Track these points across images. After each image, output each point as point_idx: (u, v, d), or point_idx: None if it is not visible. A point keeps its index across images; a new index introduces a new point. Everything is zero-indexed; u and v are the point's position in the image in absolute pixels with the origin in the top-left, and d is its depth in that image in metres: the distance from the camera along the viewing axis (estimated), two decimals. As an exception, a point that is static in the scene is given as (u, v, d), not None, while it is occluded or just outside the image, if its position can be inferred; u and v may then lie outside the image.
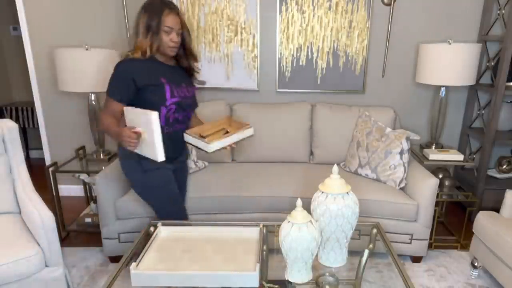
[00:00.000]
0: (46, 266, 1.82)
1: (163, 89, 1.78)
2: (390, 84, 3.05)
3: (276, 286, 1.50)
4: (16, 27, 4.00)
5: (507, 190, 2.22)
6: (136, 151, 1.72)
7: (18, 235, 1.85)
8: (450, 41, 2.54)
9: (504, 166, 3.07)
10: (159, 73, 1.80)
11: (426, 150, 2.71)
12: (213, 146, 1.73)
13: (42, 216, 1.79)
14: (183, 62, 1.93)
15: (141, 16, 1.74)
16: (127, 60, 1.77)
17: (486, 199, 2.88)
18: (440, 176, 2.70)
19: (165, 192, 1.91)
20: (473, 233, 2.26)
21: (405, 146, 2.43)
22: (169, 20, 1.73)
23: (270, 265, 1.65)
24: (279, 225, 1.50)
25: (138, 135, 1.64)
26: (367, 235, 1.93)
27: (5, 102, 4.14)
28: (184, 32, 1.84)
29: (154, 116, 1.55)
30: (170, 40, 1.76)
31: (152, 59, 1.80)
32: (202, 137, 1.78)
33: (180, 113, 1.86)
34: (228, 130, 1.89)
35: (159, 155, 1.61)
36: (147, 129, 1.60)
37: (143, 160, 1.79)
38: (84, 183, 2.93)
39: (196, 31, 2.91)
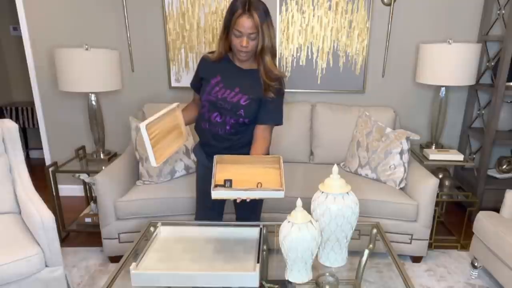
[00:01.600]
0: (46, 266, 1.82)
1: (207, 85, 1.74)
2: (390, 84, 3.05)
3: (276, 286, 1.50)
4: (16, 27, 4.00)
5: (507, 190, 2.22)
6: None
7: (18, 235, 1.85)
8: (450, 41, 2.54)
9: (504, 166, 3.07)
10: (218, 70, 1.74)
11: (426, 150, 2.71)
12: (216, 193, 1.48)
13: (42, 216, 1.79)
14: (260, 71, 1.70)
15: (227, 12, 1.63)
16: (206, 55, 1.79)
17: (486, 199, 2.88)
18: (440, 176, 2.70)
19: (198, 187, 1.97)
20: (473, 233, 2.26)
21: (405, 146, 2.43)
22: (240, 23, 1.56)
23: (270, 265, 1.65)
24: (279, 225, 1.49)
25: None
26: (367, 235, 1.93)
27: (5, 102, 4.14)
28: (261, 37, 1.60)
29: (141, 125, 1.48)
30: (239, 44, 1.61)
31: (227, 57, 1.74)
32: (226, 180, 1.55)
33: (215, 113, 1.75)
34: (261, 183, 1.58)
35: (151, 162, 1.54)
36: None
37: (199, 151, 1.90)
38: (84, 183, 2.93)
39: (196, 31, 2.91)
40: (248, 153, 1.78)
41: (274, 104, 1.74)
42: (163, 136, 1.57)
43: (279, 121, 1.80)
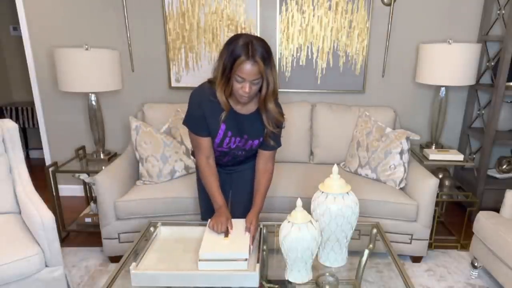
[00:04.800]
0: (46, 266, 1.82)
1: (214, 135, 1.68)
2: (390, 84, 3.05)
3: (276, 286, 1.50)
4: (16, 27, 4.00)
5: (507, 190, 2.22)
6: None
7: (18, 235, 1.85)
8: (450, 41, 2.54)
9: (504, 166, 3.06)
10: (221, 119, 1.64)
11: (426, 150, 2.71)
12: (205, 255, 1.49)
13: (42, 216, 1.79)
14: (264, 119, 1.66)
15: (224, 52, 1.51)
16: (202, 91, 1.64)
17: (486, 199, 2.88)
18: (440, 176, 2.70)
19: (200, 187, 1.94)
20: (473, 233, 2.26)
21: (405, 146, 2.43)
22: (243, 69, 1.46)
23: (270, 265, 1.65)
24: (279, 225, 1.50)
25: (225, 231, 1.62)
26: (367, 235, 1.93)
27: (5, 102, 4.14)
28: (265, 83, 1.53)
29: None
30: (241, 90, 1.51)
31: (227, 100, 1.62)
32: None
33: (227, 157, 1.81)
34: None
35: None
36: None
37: None
38: (84, 183, 2.93)
39: (196, 31, 2.91)
40: (251, 162, 1.87)
41: (277, 134, 1.76)
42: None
43: (279, 145, 1.82)
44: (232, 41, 1.49)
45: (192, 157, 2.59)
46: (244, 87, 1.50)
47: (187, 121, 1.69)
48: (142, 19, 2.92)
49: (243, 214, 1.72)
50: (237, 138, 1.70)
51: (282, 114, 1.68)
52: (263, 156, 1.81)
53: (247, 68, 1.45)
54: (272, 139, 1.74)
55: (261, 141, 1.74)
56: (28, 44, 2.97)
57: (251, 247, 1.57)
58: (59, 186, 2.72)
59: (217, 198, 1.73)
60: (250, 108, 1.68)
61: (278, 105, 1.67)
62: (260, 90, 1.57)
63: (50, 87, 3.07)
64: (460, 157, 2.62)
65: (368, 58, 2.97)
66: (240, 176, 1.95)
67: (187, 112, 1.69)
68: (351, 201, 1.48)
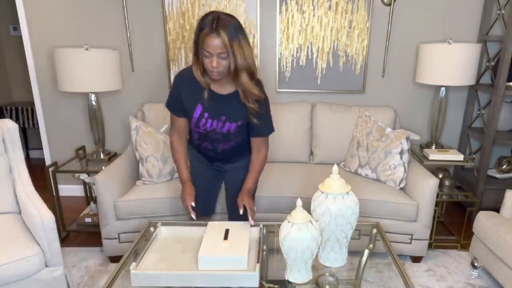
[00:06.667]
0: (46, 266, 1.82)
1: (191, 115, 1.72)
2: (390, 84, 3.05)
3: (276, 286, 1.50)
4: (16, 27, 4.00)
5: (507, 190, 2.22)
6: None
7: (18, 235, 1.85)
8: (450, 41, 2.54)
9: (504, 166, 3.06)
10: (197, 99, 1.68)
11: (426, 150, 2.71)
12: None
13: (42, 216, 1.78)
14: (240, 94, 1.64)
15: (195, 29, 1.55)
16: (182, 71, 1.73)
17: (486, 199, 2.88)
18: (440, 176, 2.70)
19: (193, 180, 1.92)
20: (473, 233, 2.26)
21: (405, 146, 2.43)
22: (207, 43, 1.48)
23: (270, 265, 1.65)
24: (279, 225, 1.50)
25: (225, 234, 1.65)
26: (367, 235, 1.93)
27: (5, 102, 4.14)
28: (232, 57, 1.51)
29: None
30: (209, 64, 1.53)
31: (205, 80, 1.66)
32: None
33: (205, 142, 1.81)
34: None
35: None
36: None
37: (192, 148, 1.90)
38: (84, 183, 2.93)
39: (196, 31, 2.90)
40: (243, 154, 1.88)
41: (263, 116, 1.74)
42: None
43: (271, 130, 1.84)
44: (203, 18, 1.52)
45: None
46: (211, 62, 1.51)
47: (167, 100, 1.79)
48: (142, 19, 2.92)
49: (240, 217, 1.74)
50: (214, 120, 1.71)
51: (260, 89, 1.66)
52: (255, 143, 1.83)
53: (210, 41, 1.47)
54: (261, 122, 1.73)
55: (240, 125, 1.74)
56: (28, 44, 2.97)
57: (252, 222, 1.69)
58: (59, 186, 2.71)
59: (182, 172, 1.83)
60: (229, 88, 1.68)
61: (258, 84, 1.67)
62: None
63: (50, 87, 3.07)
64: (460, 157, 2.62)
65: (368, 58, 2.97)
66: (234, 177, 1.95)
67: (169, 92, 1.78)
68: (351, 201, 1.48)
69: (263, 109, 1.73)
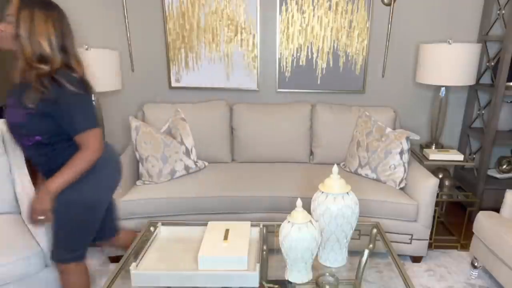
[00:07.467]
0: (46, 266, 1.82)
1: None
2: (390, 84, 3.05)
3: (276, 286, 1.50)
4: (16, 27, 3.99)
5: (507, 190, 2.22)
6: None
7: (18, 235, 1.85)
8: (450, 41, 2.54)
9: (504, 166, 3.06)
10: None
11: (426, 150, 2.71)
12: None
13: (42, 216, 1.78)
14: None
15: None
16: None
17: (486, 199, 2.88)
18: (440, 176, 2.70)
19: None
20: (473, 233, 2.26)
21: (405, 146, 2.43)
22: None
23: (270, 265, 1.65)
24: (279, 225, 1.50)
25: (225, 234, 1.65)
26: (367, 235, 1.93)
27: (5, 102, 4.13)
28: (15, 24, 1.37)
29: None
30: None
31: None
32: None
33: (17, 139, 1.52)
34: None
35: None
36: None
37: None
38: (84, 183, 2.92)
39: (196, 31, 2.91)
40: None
41: (66, 111, 1.46)
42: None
43: (84, 126, 1.48)
44: None
45: (192, 157, 2.59)
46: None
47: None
48: (142, 19, 2.92)
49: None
50: (7, 109, 1.49)
51: (44, 88, 1.42)
52: (76, 141, 1.50)
53: None
54: (71, 121, 1.45)
55: (19, 123, 1.45)
56: (28, 44, 2.96)
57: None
58: (59, 186, 2.71)
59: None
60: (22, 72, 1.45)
61: (55, 80, 1.45)
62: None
63: (50, 87, 3.06)
64: (460, 157, 2.62)
65: (368, 58, 2.97)
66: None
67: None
68: (351, 201, 1.48)
69: (60, 99, 1.48)
